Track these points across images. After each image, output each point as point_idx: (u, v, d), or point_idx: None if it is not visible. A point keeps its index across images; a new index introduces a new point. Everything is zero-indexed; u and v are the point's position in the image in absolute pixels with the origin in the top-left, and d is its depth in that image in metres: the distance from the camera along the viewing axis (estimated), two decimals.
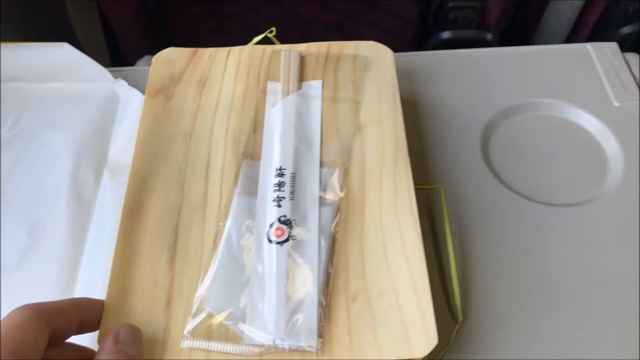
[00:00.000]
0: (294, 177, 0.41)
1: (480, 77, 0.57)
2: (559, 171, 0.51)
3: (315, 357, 0.34)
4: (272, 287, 0.36)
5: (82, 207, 0.48)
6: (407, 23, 0.88)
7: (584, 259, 0.45)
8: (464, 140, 0.52)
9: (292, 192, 0.40)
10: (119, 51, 0.87)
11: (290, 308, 0.35)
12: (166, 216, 0.40)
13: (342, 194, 0.41)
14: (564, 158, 0.52)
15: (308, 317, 0.35)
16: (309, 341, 0.34)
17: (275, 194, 0.40)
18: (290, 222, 0.39)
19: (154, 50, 0.47)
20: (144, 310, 0.36)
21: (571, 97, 0.55)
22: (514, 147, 0.52)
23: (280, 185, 0.40)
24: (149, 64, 0.46)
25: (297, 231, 0.38)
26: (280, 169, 0.41)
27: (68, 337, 0.32)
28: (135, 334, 0.32)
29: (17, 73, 0.56)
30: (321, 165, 0.43)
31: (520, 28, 0.93)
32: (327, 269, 0.37)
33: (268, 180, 0.41)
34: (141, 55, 0.78)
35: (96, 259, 0.44)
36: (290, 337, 0.34)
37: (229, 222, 0.39)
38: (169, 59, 0.49)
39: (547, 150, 0.52)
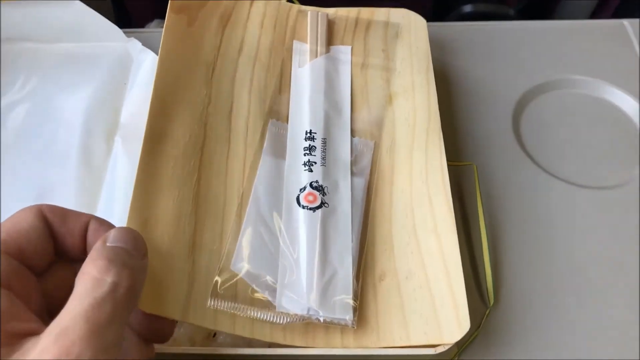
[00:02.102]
0: (324, 142, 0.39)
1: (512, 51, 0.55)
2: (592, 152, 0.49)
3: (340, 340, 0.32)
4: (307, 255, 0.34)
5: (92, 174, 0.45)
6: None
7: (616, 243, 0.43)
8: (494, 116, 0.50)
9: (324, 158, 0.38)
10: (125, 15, 0.84)
11: (325, 279, 0.33)
12: (189, 150, 0.37)
13: (372, 166, 0.39)
14: (597, 138, 0.50)
15: (344, 289, 0.33)
16: (345, 314, 0.32)
17: (306, 158, 0.38)
18: (323, 189, 0.36)
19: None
20: (167, 248, 0.33)
21: (606, 75, 0.53)
22: (546, 125, 0.50)
23: (310, 149, 0.38)
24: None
25: (329, 198, 0.36)
26: (310, 132, 0.39)
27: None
28: (128, 233, 0.28)
29: (27, 33, 0.53)
30: (352, 133, 0.40)
31: (541, 4, 0.90)
32: (359, 242, 0.35)
33: (297, 143, 0.39)
34: (149, 20, 0.75)
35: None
36: (325, 309, 0.32)
37: (256, 182, 0.37)
38: None
39: (580, 129, 0.50)
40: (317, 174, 0.37)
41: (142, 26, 0.75)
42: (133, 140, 0.47)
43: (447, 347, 0.32)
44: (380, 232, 0.36)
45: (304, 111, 0.41)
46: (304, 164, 0.38)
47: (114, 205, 0.43)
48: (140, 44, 0.53)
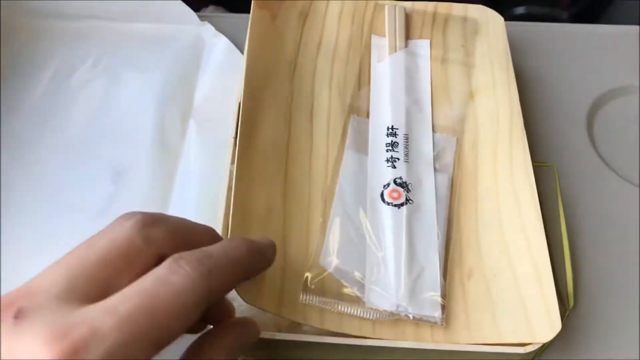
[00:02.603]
0: (407, 137, 0.38)
1: (581, 54, 0.53)
2: None
3: (430, 336, 0.32)
4: (393, 252, 0.34)
5: (168, 155, 0.45)
6: None
7: None
8: (568, 118, 0.49)
9: (407, 154, 0.37)
10: None
11: (413, 276, 0.33)
12: (277, 147, 0.38)
13: (454, 162, 0.38)
14: None
15: (431, 286, 0.33)
16: (434, 312, 0.32)
17: (389, 154, 0.37)
18: (407, 185, 0.36)
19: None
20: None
21: None
22: (620, 129, 0.49)
23: (393, 145, 0.38)
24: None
25: (413, 195, 0.36)
26: (392, 128, 0.39)
27: None
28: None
29: (101, 11, 0.52)
30: (433, 129, 0.40)
31: (592, 10, 0.89)
32: (445, 239, 0.35)
33: (379, 138, 0.39)
34: (204, 5, 0.75)
35: (184, 209, 0.41)
36: (414, 306, 0.32)
37: (340, 178, 0.37)
38: None
39: None
40: (401, 170, 0.37)
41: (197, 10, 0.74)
42: (207, 125, 0.46)
43: (536, 347, 0.31)
44: (466, 230, 0.36)
45: (385, 107, 0.40)
46: (387, 160, 0.37)
47: (190, 188, 0.43)
48: (213, 28, 0.53)
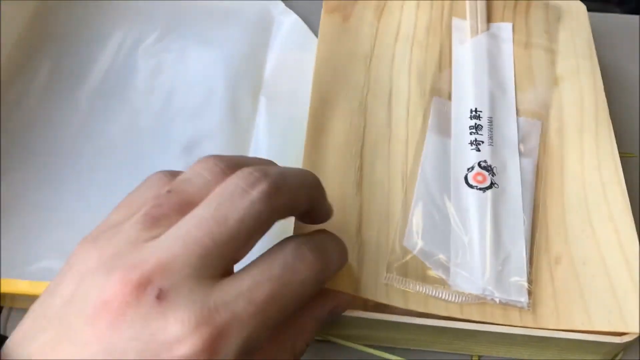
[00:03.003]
0: (490, 120, 0.37)
1: None
2: None
3: (518, 319, 0.31)
4: (478, 235, 0.33)
5: (240, 130, 0.44)
6: None
7: None
8: None
9: (491, 137, 0.37)
10: None
11: (499, 260, 0.32)
12: (351, 138, 0.37)
13: (540, 147, 0.37)
14: None
15: (518, 271, 0.32)
16: (520, 297, 0.31)
17: (473, 137, 0.37)
18: (492, 169, 0.35)
19: None
20: (334, 229, 0.32)
21: None
22: None
23: (477, 128, 0.37)
24: None
25: (498, 179, 0.35)
26: (476, 111, 0.38)
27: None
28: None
29: None
30: (517, 113, 0.39)
31: None
32: (531, 224, 0.34)
33: (462, 121, 0.38)
34: None
35: None
36: (501, 290, 0.31)
37: (423, 160, 0.36)
38: None
39: None
40: (485, 154, 0.36)
41: None
42: (278, 101, 0.46)
43: (633, 337, 0.30)
44: (552, 216, 0.35)
45: (467, 89, 0.39)
46: (471, 143, 0.36)
47: None
48: (282, 4, 0.52)
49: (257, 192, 0.23)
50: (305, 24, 0.51)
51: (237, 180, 0.24)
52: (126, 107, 0.45)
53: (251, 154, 0.43)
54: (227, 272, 0.23)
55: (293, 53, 0.49)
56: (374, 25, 0.44)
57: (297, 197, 0.26)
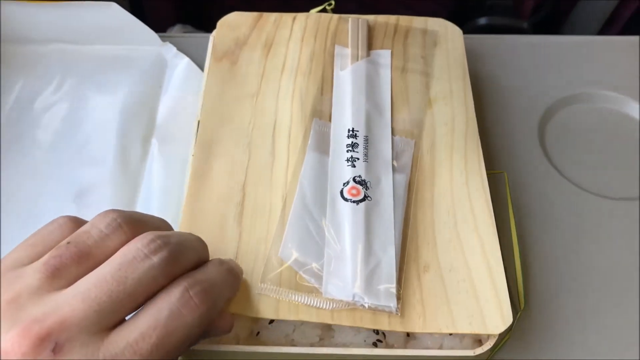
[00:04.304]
0: (366, 139, 0.40)
1: (536, 63, 0.56)
2: (615, 164, 0.49)
3: (387, 323, 0.33)
4: (351, 245, 0.35)
5: (129, 175, 0.45)
6: (441, 7, 0.87)
7: None
8: (520, 127, 0.51)
9: (366, 155, 0.39)
10: (143, 20, 0.85)
11: (370, 267, 0.34)
12: (233, 176, 0.38)
13: (412, 164, 0.40)
14: (619, 151, 0.50)
15: (387, 278, 0.34)
16: (389, 302, 0.33)
17: (349, 154, 0.38)
18: (366, 183, 0.37)
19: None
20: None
21: (629, 90, 0.54)
22: (571, 136, 0.51)
23: (353, 146, 0.39)
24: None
25: (371, 192, 0.37)
26: (352, 130, 0.40)
27: None
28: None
29: (62, 35, 0.53)
30: (393, 133, 0.41)
31: (551, 19, 0.92)
32: (402, 235, 0.36)
33: (340, 140, 0.40)
34: (170, 24, 0.76)
35: None
36: (371, 296, 0.33)
37: (301, 176, 0.38)
38: (234, 24, 0.48)
39: (603, 142, 0.51)
40: (360, 169, 0.38)
41: (162, 30, 0.75)
42: (169, 143, 0.47)
43: (485, 349, 0.33)
44: (423, 227, 0.37)
45: (346, 110, 0.42)
46: (347, 160, 0.38)
47: (152, 205, 0.43)
48: (174, 48, 0.54)
49: (157, 258, 0.26)
50: (197, 66, 0.53)
51: (140, 245, 0.26)
52: (23, 158, 0.47)
53: (141, 199, 0.45)
54: (120, 322, 0.25)
55: (186, 95, 0.51)
56: (261, 64, 0.45)
57: (190, 264, 0.28)
